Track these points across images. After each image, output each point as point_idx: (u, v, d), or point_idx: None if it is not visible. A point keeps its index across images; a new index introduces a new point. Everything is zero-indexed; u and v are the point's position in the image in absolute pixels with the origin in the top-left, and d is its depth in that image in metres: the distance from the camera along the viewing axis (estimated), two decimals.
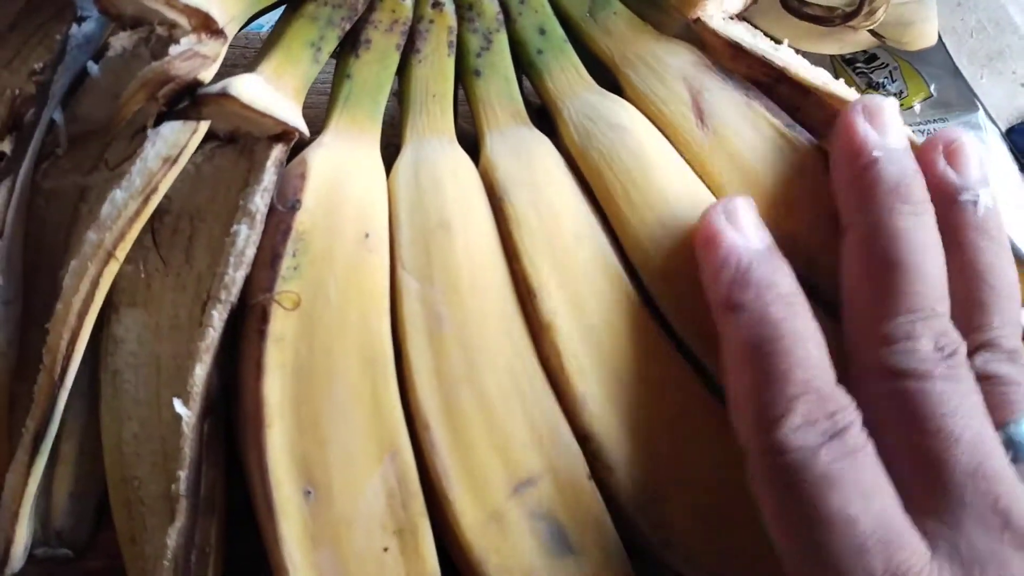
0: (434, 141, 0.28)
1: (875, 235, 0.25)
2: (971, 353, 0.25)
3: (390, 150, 0.28)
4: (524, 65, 0.29)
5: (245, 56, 0.35)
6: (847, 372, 0.25)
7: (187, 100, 0.25)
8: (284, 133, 0.26)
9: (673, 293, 0.26)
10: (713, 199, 0.27)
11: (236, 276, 0.25)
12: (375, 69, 0.28)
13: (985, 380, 0.24)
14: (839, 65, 0.42)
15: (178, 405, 0.25)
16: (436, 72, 0.29)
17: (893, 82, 0.41)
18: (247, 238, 0.25)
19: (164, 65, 0.24)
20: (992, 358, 0.25)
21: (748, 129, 0.28)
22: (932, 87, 0.41)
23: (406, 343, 0.26)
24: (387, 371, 0.25)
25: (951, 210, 0.26)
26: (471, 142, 0.29)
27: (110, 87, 0.26)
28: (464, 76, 0.29)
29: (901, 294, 0.24)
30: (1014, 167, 0.41)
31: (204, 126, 0.24)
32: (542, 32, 0.29)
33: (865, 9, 0.30)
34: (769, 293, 0.24)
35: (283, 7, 0.29)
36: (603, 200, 0.27)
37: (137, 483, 0.27)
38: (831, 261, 0.27)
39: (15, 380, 0.28)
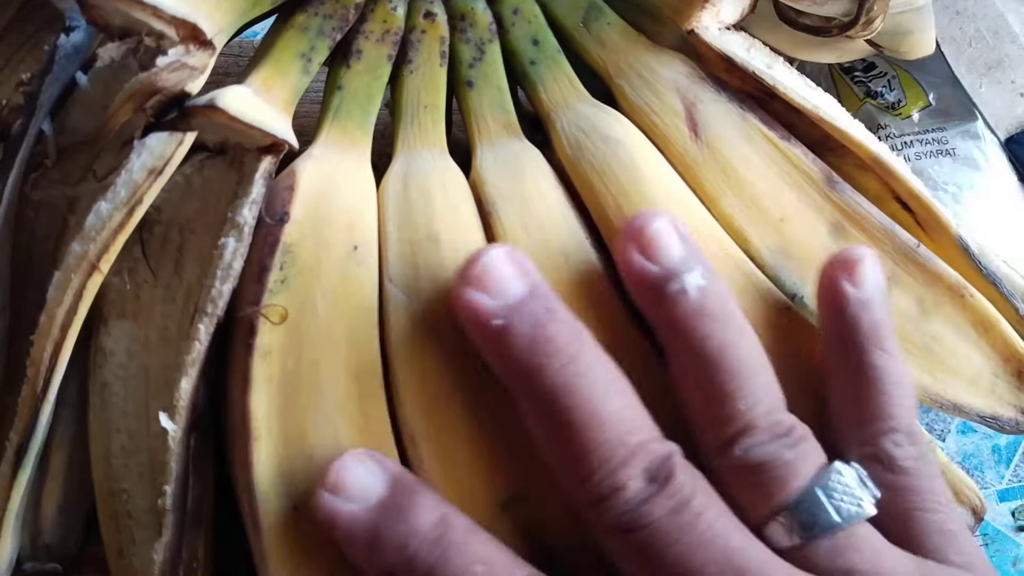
0: (425, 153, 0.28)
1: (532, 403, 0.23)
2: (729, 446, 0.24)
3: (382, 160, 0.28)
4: (518, 76, 0.29)
5: (239, 64, 0.35)
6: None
7: (175, 111, 0.25)
8: (273, 145, 0.26)
9: None
10: (706, 212, 0.27)
11: (223, 289, 0.25)
12: (366, 80, 0.28)
13: (749, 471, 0.23)
14: (837, 74, 0.42)
15: (164, 419, 0.25)
16: (428, 83, 0.28)
17: (891, 91, 0.41)
18: (234, 251, 0.25)
19: (151, 76, 0.24)
20: (752, 443, 0.23)
21: (742, 141, 0.28)
22: (931, 96, 0.41)
23: (394, 356, 0.25)
24: (375, 385, 0.25)
25: (662, 305, 0.24)
26: (465, 151, 0.29)
27: (99, 98, 0.26)
28: (457, 87, 0.29)
29: (585, 451, 0.22)
30: (1013, 177, 0.41)
31: (190, 138, 0.24)
32: (535, 42, 0.29)
33: (862, 19, 0.29)
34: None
35: (274, 17, 0.28)
36: (594, 213, 0.27)
37: (125, 496, 0.27)
38: None
39: (3, 391, 0.28)
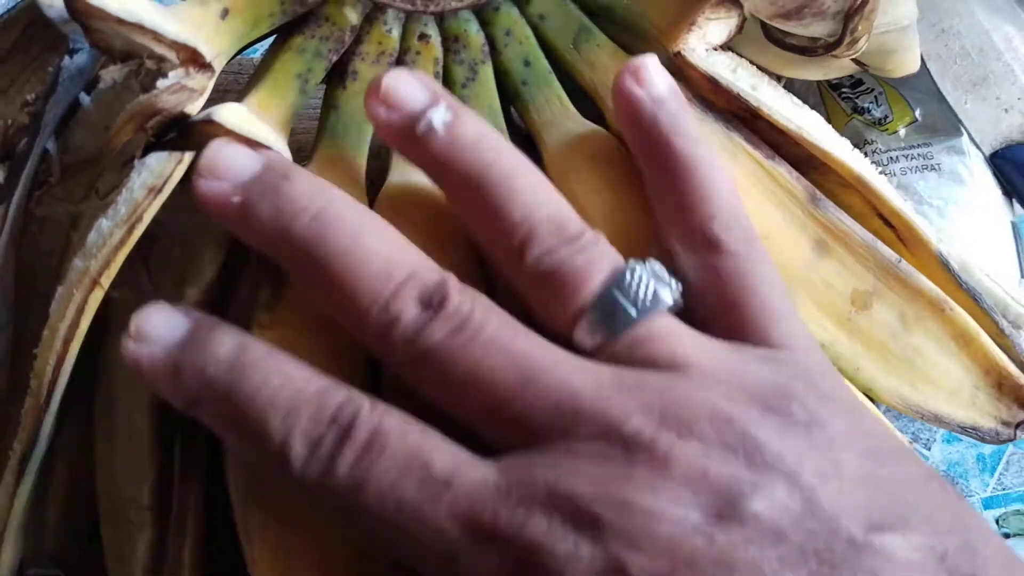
0: (419, 171, 0.28)
1: (295, 268, 0.24)
2: (517, 260, 0.23)
3: (380, 178, 0.29)
4: (510, 96, 0.30)
5: (238, 81, 0.36)
6: None
7: (174, 131, 0.25)
8: None
9: None
10: None
11: (188, 292, 0.26)
12: (361, 100, 0.28)
13: (542, 280, 0.23)
14: (825, 90, 0.42)
15: (137, 418, 0.26)
16: None
17: (878, 106, 0.42)
18: (211, 260, 0.26)
19: (152, 98, 0.24)
20: (538, 252, 0.23)
21: (728, 160, 0.28)
22: (917, 112, 0.42)
23: (387, 369, 0.26)
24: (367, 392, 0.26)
25: (415, 147, 0.25)
26: None
27: (101, 118, 0.26)
28: None
29: (354, 294, 0.22)
30: (997, 191, 0.41)
31: (189, 157, 0.25)
32: (527, 63, 0.30)
33: (847, 40, 0.30)
34: (207, 366, 0.22)
35: (272, 37, 0.29)
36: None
37: (124, 504, 0.27)
38: None
39: (7, 403, 0.28)
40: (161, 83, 0.25)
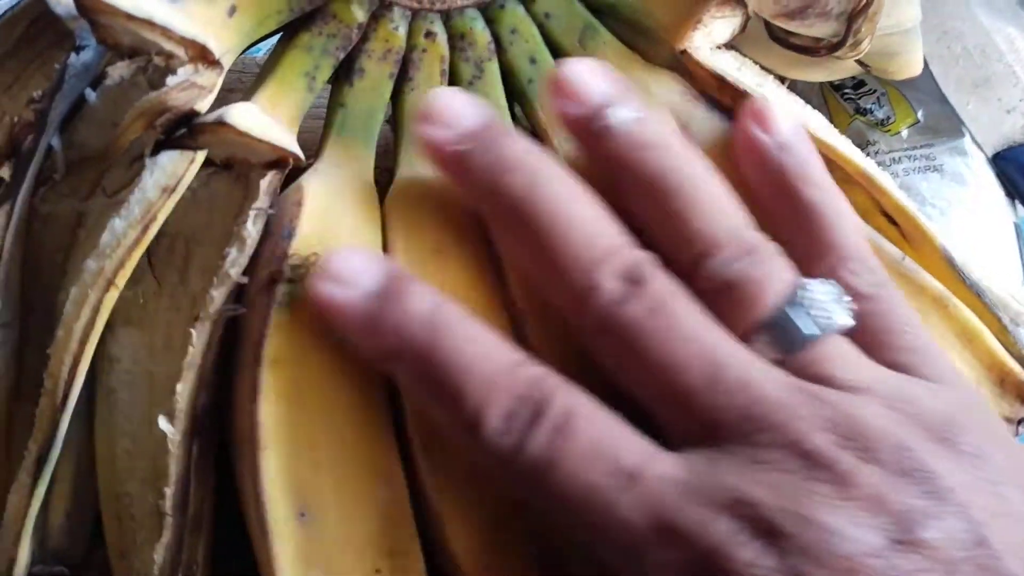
0: (427, 167, 0.28)
1: (500, 217, 0.24)
2: (695, 267, 0.23)
3: (384, 175, 0.29)
4: (515, 94, 0.30)
5: (241, 80, 0.36)
6: None
7: (184, 129, 0.25)
8: (279, 160, 0.26)
9: None
10: None
11: (215, 294, 0.26)
12: (369, 97, 0.29)
13: (720, 291, 0.23)
14: (828, 91, 0.42)
15: (163, 422, 0.26)
16: None
17: (881, 108, 0.42)
18: (234, 260, 0.26)
19: (162, 95, 0.24)
20: (718, 262, 0.23)
21: None
22: (919, 113, 0.42)
23: None
24: (381, 395, 0.26)
25: (596, 143, 0.25)
26: None
27: (107, 115, 0.26)
28: None
29: (557, 253, 0.23)
30: (999, 192, 0.41)
31: (201, 155, 0.25)
32: (533, 61, 0.30)
33: (850, 41, 0.30)
34: (405, 321, 0.23)
35: (278, 35, 0.29)
36: None
37: (128, 499, 0.27)
38: None
39: (12, 400, 0.28)
40: (171, 80, 0.25)
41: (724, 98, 0.29)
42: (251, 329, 0.26)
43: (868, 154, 0.42)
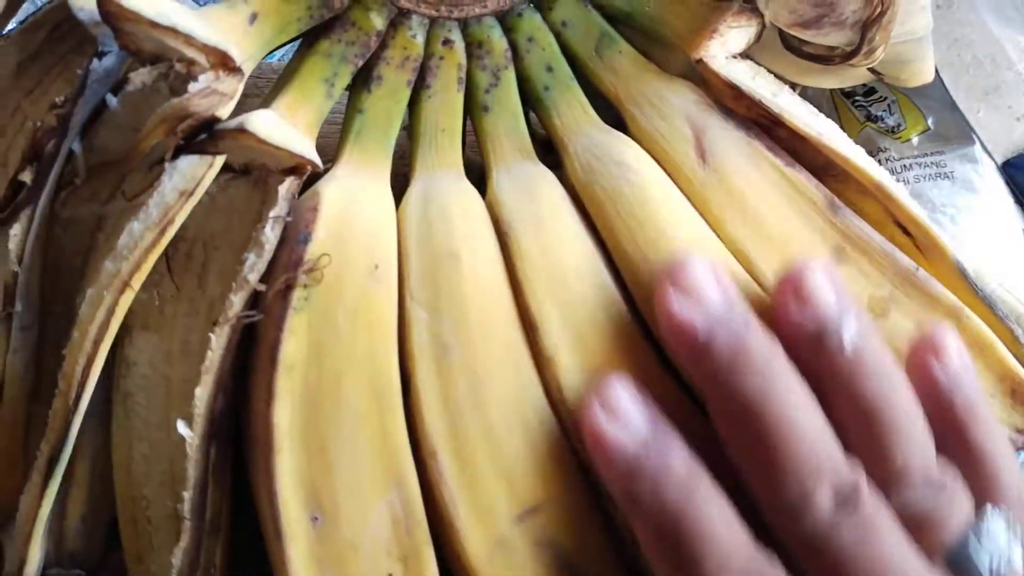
0: (442, 174, 0.29)
1: (729, 411, 0.25)
2: (886, 488, 0.24)
3: (399, 180, 0.29)
4: (532, 101, 0.30)
5: (257, 86, 0.36)
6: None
7: (204, 135, 0.25)
8: (297, 166, 0.26)
9: None
10: (713, 236, 0.28)
11: (234, 299, 0.26)
12: (386, 104, 0.29)
13: (908, 517, 0.24)
14: (838, 98, 0.42)
15: (181, 427, 0.26)
16: (445, 107, 0.29)
17: (891, 115, 0.42)
18: (252, 264, 0.26)
19: (184, 102, 0.25)
20: (907, 496, 0.24)
21: (748, 167, 0.28)
22: (930, 120, 0.42)
23: (414, 373, 0.26)
24: (394, 400, 0.26)
25: (817, 357, 0.25)
26: (478, 172, 0.30)
27: (128, 120, 0.27)
28: (473, 111, 0.30)
29: (779, 464, 0.24)
30: (1009, 199, 0.41)
31: (220, 160, 0.25)
32: (549, 69, 0.30)
33: (864, 49, 0.30)
34: (664, 481, 0.24)
35: (297, 42, 0.29)
36: (606, 236, 0.28)
37: (145, 503, 0.28)
38: None
39: (32, 402, 0.28)
40: (192, 86, 0.25)
41: (739, 107, 0.29)
42: (266, 333, 0.26)
43: (879, 161, 0.42)
